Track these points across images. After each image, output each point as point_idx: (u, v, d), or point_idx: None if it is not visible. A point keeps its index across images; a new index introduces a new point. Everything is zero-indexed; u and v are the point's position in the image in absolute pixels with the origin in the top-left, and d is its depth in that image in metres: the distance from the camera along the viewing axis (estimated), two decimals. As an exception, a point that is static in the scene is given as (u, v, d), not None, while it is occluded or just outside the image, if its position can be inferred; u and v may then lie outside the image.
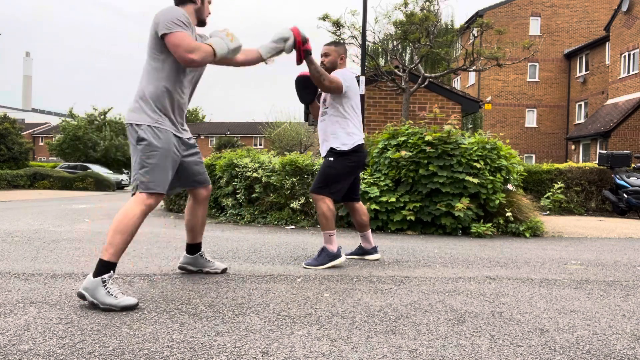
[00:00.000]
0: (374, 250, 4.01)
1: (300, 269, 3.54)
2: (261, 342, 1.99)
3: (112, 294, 2.42)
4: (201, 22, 2.91)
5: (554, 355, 1.91)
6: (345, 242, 5.07)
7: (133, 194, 2.72)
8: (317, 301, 2.66)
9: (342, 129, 3.64)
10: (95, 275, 2.46)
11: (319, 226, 6.42)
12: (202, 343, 1.96)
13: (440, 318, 2.38)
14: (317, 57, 3.62)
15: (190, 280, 3.09)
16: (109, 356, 1.81)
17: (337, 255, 3.61)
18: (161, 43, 2.68)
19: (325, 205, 3.59)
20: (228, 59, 2.94)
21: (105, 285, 2.44)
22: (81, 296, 2.48)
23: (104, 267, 2.48)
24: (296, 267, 3.61)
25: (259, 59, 3.08)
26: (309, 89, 3.74)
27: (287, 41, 3.11)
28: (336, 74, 3.60)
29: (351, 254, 4.07)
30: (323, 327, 2.20)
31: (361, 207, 3.95)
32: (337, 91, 3.58)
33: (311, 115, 14.84)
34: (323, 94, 3.76)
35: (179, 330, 2.11)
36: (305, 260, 3.78)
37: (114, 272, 2.51)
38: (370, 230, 3.99)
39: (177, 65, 2.74)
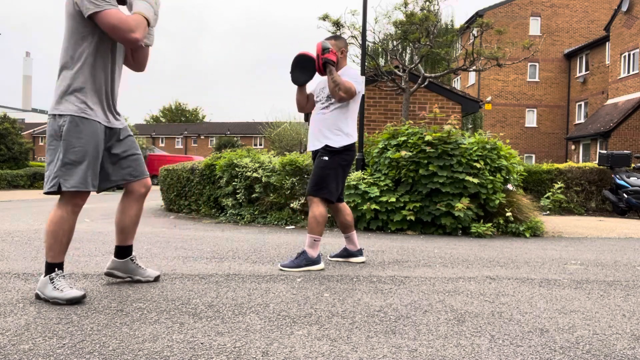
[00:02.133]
0: (359, 253, 3.89)
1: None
2: (261, 342, 1.99)
3: (58, 288, 2.50)
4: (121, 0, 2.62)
5: (554, 355, 1.91)
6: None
7: (48, 192, 2.56)
8: (317, 301, 2.66)
9: (344, 128, 3.61)
10: (45, 274, 2.57)
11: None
12: (202, 343, 1.96)
13: (440, 318, 2.38)
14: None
15: (190, 281, 3.09)
16: (109, 356, 1.81)
17: (315, 262, 3.51)
18: (85, 24, 2.44)
19: (320, 209, 3.50)
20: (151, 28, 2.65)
21: (53, 282, 2.53)
22: (37, 296, 2.57)
23: (49, 268, 2.58)
24: (296, 267, 3.61)
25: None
26: (307, 72, 3.65)
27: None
28: (349, 78, 3.56)
29: (336, 256, 3.96)
30: (323, 327, 2.20)
31: (345, 207, 3.82)
32: (350, 99, 3.58)
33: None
34: (327, 88, 3.66)
35: (179, 330, 2.11)
36: (281, 262, 3.66)
37: (61, 270, 2.59)
38: (355, 232, 3.88)
39: (100, 47, 2.50)
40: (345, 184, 6.11)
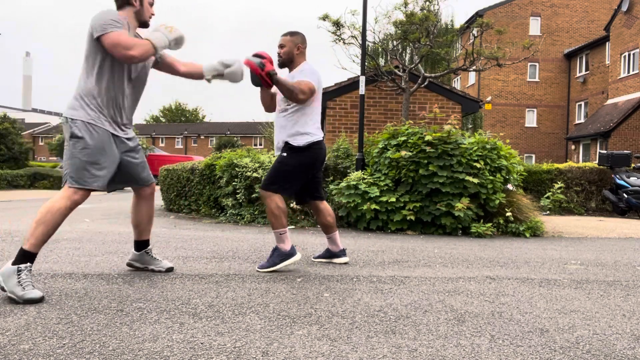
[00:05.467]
0: (342, 253, 3.82)
1: (300, 269, 3.54)
2: (261, 342, 1.99)
3: (21, 285, 2.51)
4: (143, 24, 2.97)
5: (554, 355, 1.91)
6: (346, 242, 5.07)
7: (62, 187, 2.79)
8: (317, 301, 2.66)
9: (304, 128, 3.47)
10: (14, 263, 2.57)
11: (318, 226, 6.42)
12: (202, 343, 1.96)
13: (440, 318, 2.38)
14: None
15: (190, 281, 3.09)
16: (109, 356, 1.81)
17: (290, 254, 3.43)
18: (96, 45, 2.76)
19: (274, 202, 3.40)
20: (173, 67, 3.15)
21: (19, 275, 2.53)
22: None
23: (23, 257, 2.58)
24: (296, 267, 3.61)
25: (200, 75, 3.18)
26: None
27: (227, 67, 3.15)
28: (306, 76, 3.42)
29: (318, 257, 3.90)
30: (323, 327, 2.20)
31: (326, 207, 3.73)
32: (310, 97, 3.45)
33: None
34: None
35: (179, 330, 2.11)
36: (258, 263, 3.62)
37: (31, 264, 2.60)
38: (337, 232, 3.80)
39: (114, 65, 2.81)
40: (345, 184, 6.12)
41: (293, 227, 6.39)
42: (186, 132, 59.04)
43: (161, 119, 69.60)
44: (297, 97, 3.35)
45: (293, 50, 3.54)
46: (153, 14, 3.00)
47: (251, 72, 3.32)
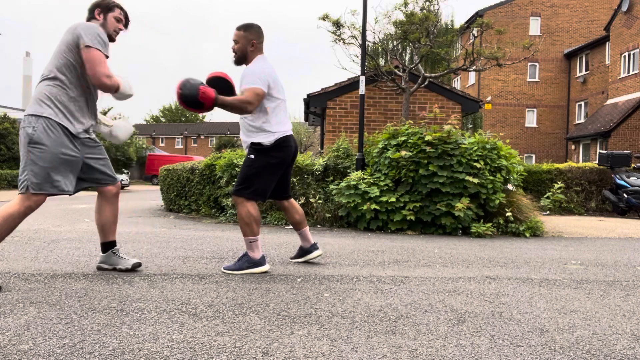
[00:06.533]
0: (313, 248, 3.73)
1: (300, 269, 3.54)
2: (261, 342, 1.99)
3: None
4: (107, 38, 3.03)
5: (554, 355, 1.91)
6: (346, 242, 5.07)
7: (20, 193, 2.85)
8: (317, 301, 2.66)
9: (266, 127, 3.33)
10: None
11: (319, 226, 6.42)
12: (202, 343, 1.96)
13: (440, 318, 2.38)
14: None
15: (190, 280, 3.09)
16: (109, 356, 1.81)
17: (258, 264, 3.33)
18: (77, 51, 2.85)
19: (245, 209, 3.29)
20: (118, 94, 3.15)
21: None
22: None
23: None
24: (296, 267, 3.61)
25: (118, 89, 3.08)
26: (221, 90, 3.31)
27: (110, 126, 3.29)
28: (248, 82, 3.23)
29: (294, 257, 3.86)
30: (323, 327, 2.20)
31: (292, 205, 3.65)
32: (262, 100, 3.28)
33: (311, 116, 14.85)
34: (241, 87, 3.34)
35: (179, 330, 2.11)
36: (224, 265, 3.56)
37: None
38: (307, 227, 3.71)
39: (79, 70, 2.90)
40: (345, 184, 6.12)
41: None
42: (186, 132, 59.04)
43: (161, 119, 69.61)
44: (247, 110, 3.21)
45: (247, 47, 3.36)
46: (121, 29, 3.10)
47: (215, 79, 3.29)
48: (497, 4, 28.65)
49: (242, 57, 3.39)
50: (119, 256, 3.32)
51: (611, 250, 4.89)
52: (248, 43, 3.36)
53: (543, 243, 5.40)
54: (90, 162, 3.06)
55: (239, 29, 3.39)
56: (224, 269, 3.41)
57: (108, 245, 3.28)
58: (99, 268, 3.34)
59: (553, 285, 3.19)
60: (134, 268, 3.30)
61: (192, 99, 3.01)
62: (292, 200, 3.71)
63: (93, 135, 3.13)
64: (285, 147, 3.39)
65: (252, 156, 3.35)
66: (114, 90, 2.96)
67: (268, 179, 3.36)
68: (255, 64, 3.36)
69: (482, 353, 1.92)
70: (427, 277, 3.35)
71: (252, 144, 3.36)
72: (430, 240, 5.43)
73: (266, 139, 3.33)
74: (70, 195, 2.98)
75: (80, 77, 2.93)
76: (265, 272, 3.37)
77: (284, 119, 3.44)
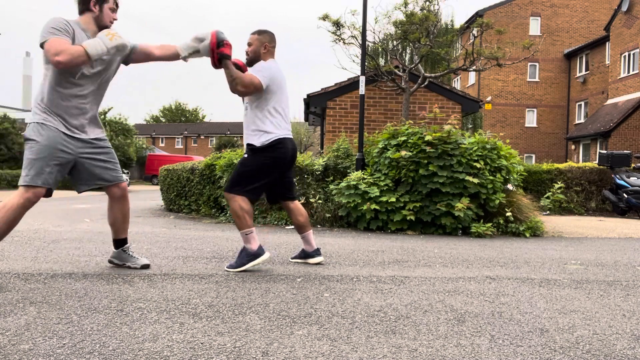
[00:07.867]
0: (316, 253, 3.76)
1: (300, 269, 3.54)
2: (261, 342, 1.99)
3: None
4: (102, 28, 3.02)
5: (554, 355, 1.91)
6: (346, 242, 5.07)
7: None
8: (317, 301, 2.66)
9: (261, 126, 3.42)
10: None
11: (319, 226, 6.42)
12: (202, 343, 1.96)
13: (440, 318, 2.38)
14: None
15: (190, 280, 3.09)
16: (109, 356, 1.81)
17: (257, 254, 3.39)
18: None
19: (237, 204, 3.38)
20: (148, 54, 3.20)
21: None
22: None
23: None
24: (296, 267, 3.61)
25: (176, 55, 3.21)
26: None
27: (202, 42, 3.17)
28: (255, 70, 3.38)
29: (295, 257, 3.88)
30: (323, 327, 2.20)
31: (297, 207, 3.69)
32: (255, 92, 3.38)
33: (311, 116, 14.85)
34: None
35: (179, 330, 2.11)
36: (225, 264, 3.60)
37: None
38: (311, 232, 3.74)
39: (60, 70, 2.88)
40: (345, 184, 6.12)
41: (293, 227, 6.39)
42: (186, 132, 59.04)
43: (161, 119, 69.58)
44: (235, 87, 3.30)
45: (260, 49, 3.49)
46: (115, 19, 3.09)
47: (209, 44, 3.29)
48: (497, 4, 28.64)
49: (254, 59, 3.51)
50: (129, 254, 3.41)
51: (611, 250, 4.89)
52: (261, 45, 3.50)
53: (543, 243, 5.39)
54: (86, 162, 3.05)
55: (254, 33, 3.55)
56: (227, 267, 3.46)
57: (119, 243, 3.38)
58: (110, 262, 3.46)
59: (553, 285, 3.19)
60: (142, 269, 3.37)
61: (220, 40, 3.17)
62: (298, 202, 3.74)
63: (98, 136, 3.13)
64: (280, 148, 3.45)
65: (246, 155, 3.49)
66: (79, 61, 2.80)
67: (260, 179, 3.45)
68: (268, 63, 3.48)
69: (482, 353, 1.92)
70: (427, 277, 3.35)
71: (247, 144, 3.49)
72: (430, 240, 5.43)
73: (258, 140, 3.43)
74: (50, 190, 2.98)
75: (69, 76, 2.92)
76: (267, 259, 3.48)
77: (283, 123, 3.52)
